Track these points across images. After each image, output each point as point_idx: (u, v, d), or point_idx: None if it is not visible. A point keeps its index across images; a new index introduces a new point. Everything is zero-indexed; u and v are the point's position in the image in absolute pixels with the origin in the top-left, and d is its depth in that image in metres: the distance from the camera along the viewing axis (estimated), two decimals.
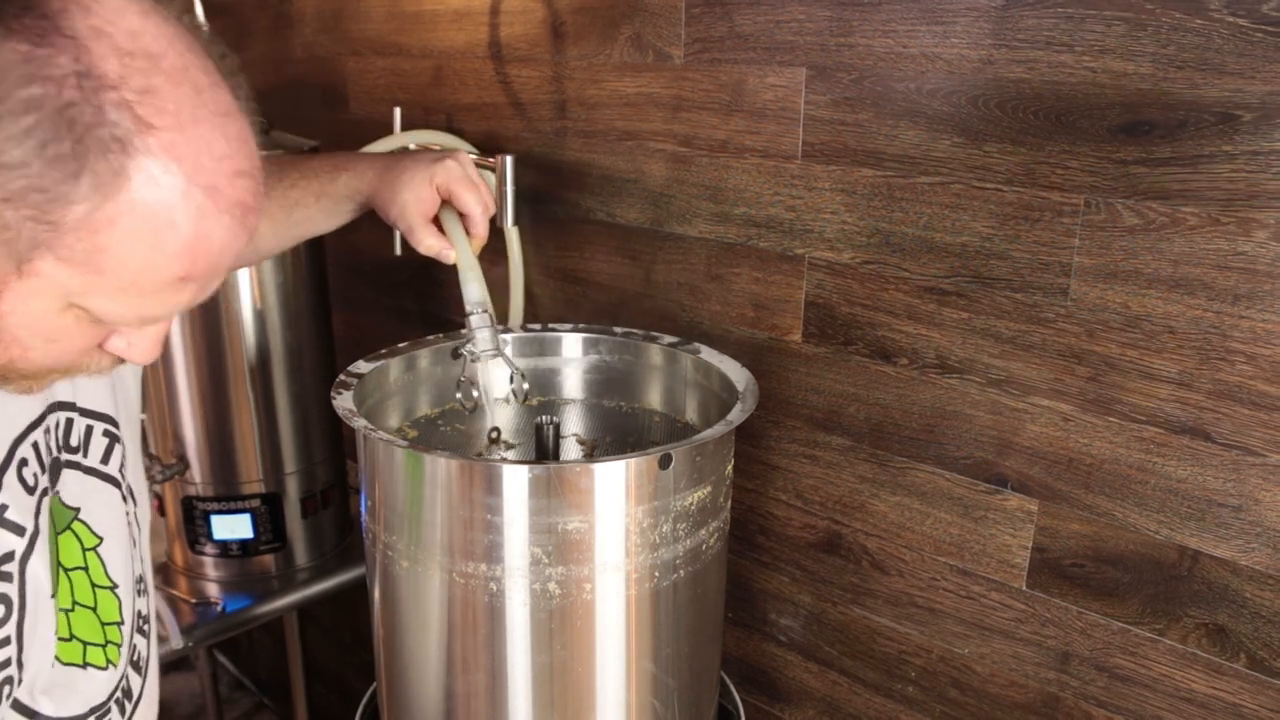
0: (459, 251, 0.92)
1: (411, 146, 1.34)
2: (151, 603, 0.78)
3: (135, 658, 0.74)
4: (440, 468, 0.82)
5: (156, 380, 1.33)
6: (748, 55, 1.00)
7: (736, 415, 0.86)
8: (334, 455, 1.45)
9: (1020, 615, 0.94)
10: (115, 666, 0.70)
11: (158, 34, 0.51)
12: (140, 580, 0.76)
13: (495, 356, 0.94)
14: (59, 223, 0.48)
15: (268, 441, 1.35)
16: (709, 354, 1.01)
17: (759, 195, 1.03)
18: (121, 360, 0.58)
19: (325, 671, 2.09)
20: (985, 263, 0.88)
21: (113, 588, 0.71)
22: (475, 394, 0.95)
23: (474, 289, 0.93)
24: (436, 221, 0.92)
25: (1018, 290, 0.87)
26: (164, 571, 1.42)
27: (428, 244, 0.91)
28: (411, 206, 0.89)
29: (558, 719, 0.86)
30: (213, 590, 1.36)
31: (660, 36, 1.08)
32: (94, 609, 0.68)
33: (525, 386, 1.01)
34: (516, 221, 1.25)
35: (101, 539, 0.70)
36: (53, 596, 0.64)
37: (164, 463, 1.34)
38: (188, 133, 0.50)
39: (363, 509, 0.92)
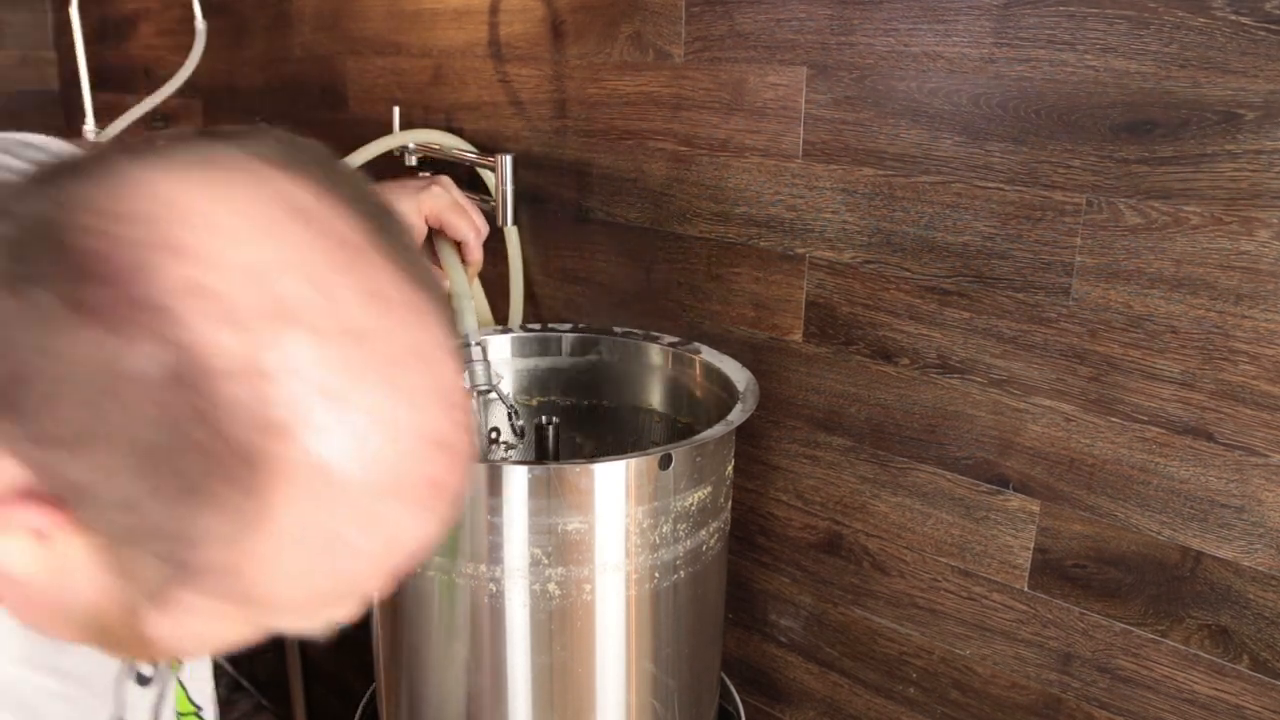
0: (454, 281, 0.90)
1: (411, 146, 1.34)
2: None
3: None
4: None
5: None
6: (748, 54, 1.00)
7: (737, 415, 0.86)
8: None
9: (1022, 616, 0.93)
10: None
11: (293, 253, 0.36)
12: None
13: (488, 392, 0.93)
14: (188, 563, 0.37)
15: None
16: (709, 354, 1.01)
17: (759, 194, 1.03)
18: None
19: (324, 672, 2.08)
20: (987, 262, 0.88)
21: (196, 712, 0.68)
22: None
23: (469, 319, 0.91)
24: (429, 248, 0.90)
25: (1019, 290, 0.86)
26: None
27: None
28: None
29: (557, 719, 0.86)
30: None
31: (660, 35, 1.07)
32: None
33: (520, 424, 0.99)
34: (516, 221, 1.25)
35: (181, 662, 0.66)
36: None
37: None
38: (348, 415, 0.36)
39: None
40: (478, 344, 0.92)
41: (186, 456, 0.34)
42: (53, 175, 0.37)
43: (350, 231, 0.38)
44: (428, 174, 0.91)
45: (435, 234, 0.91)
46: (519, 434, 1.00)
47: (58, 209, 0.35)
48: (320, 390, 0.35)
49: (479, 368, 0.92)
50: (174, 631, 0.41)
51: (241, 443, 0.34)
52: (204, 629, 0.42)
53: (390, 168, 1.37)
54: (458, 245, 0.90)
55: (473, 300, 0.92)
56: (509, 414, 0.99)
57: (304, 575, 0.38)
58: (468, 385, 0.92)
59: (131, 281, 0.34)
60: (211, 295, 0.34)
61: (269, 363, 0.34)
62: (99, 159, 0.37)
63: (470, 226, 0.88)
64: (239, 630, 0.43)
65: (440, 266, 0.90)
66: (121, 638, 0.42)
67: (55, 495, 0.36)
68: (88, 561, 0.38)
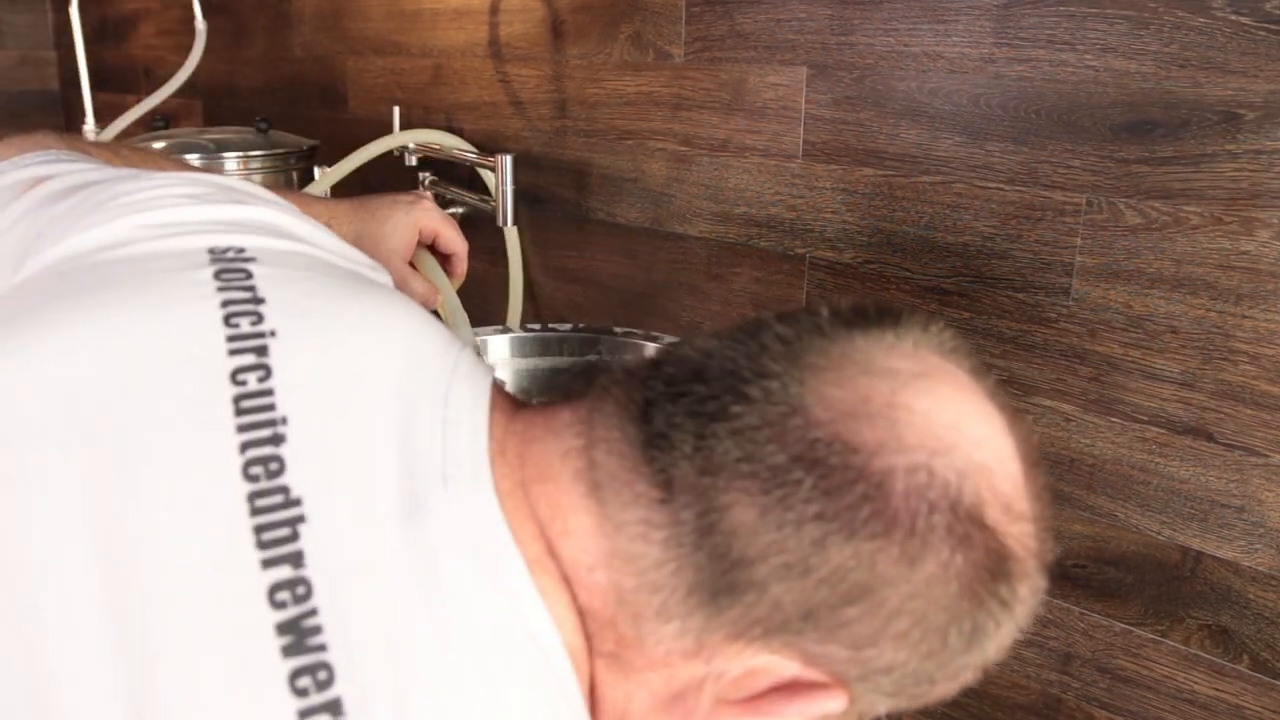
0: (445, 295, 0.90)
1: (411, 146, 1.34)
2: None
3: None
4: None
5: None
6: (748, 54, 1.00)
7: None
8: None
9: None
10: None
11: (1018, 463, 0.43)
12: None
13: None
14: (909, 691, 0.43)
15: None
16: None
17: (760, 195, 1.03)
18: None
19: None
20: (987, 262, 0.88)
21: None
22: None
23: (465, 331, 0.92)
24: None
25: (1020, 290, 0.86)
26: None
27: (417, 292, 0.87)
28: (396, 257, 0.86)
29: None
30: None
31: (660, 35, 1.07)
32: None
33: None
34: (516, 221, 1.25)
35: None
36: None
37: None
38: (1045, 567, 0.44)
39: None
40: (476, 351, 0.93)
41: (967, 629, 0.41)
42: (792, 361, 0.42)
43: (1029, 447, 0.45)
44: (415, 191, 0.92)
45: (419, 249, 0.91)
46: None
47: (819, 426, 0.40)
48: (1034, 550, 0.43)
49: None
50: None
51: (1009, 605, 0.42)
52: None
53: (390, 167, 1.37)
54: (446, 258, 0.91)
55: (464, 311, 0.93)
56: None
57: (969, 677, 0.45)
58: None
59: (953, 499, 0.39)
60: (1007, 500, 0.41)
61: (1030, 545, 0.42)
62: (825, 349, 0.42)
63: (460, 239, 0.90)
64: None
65: (424, 277, 0.90)
66: None
67: (834, 677, 0.41)
68: (820, 711, 0.42)
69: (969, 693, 0.99)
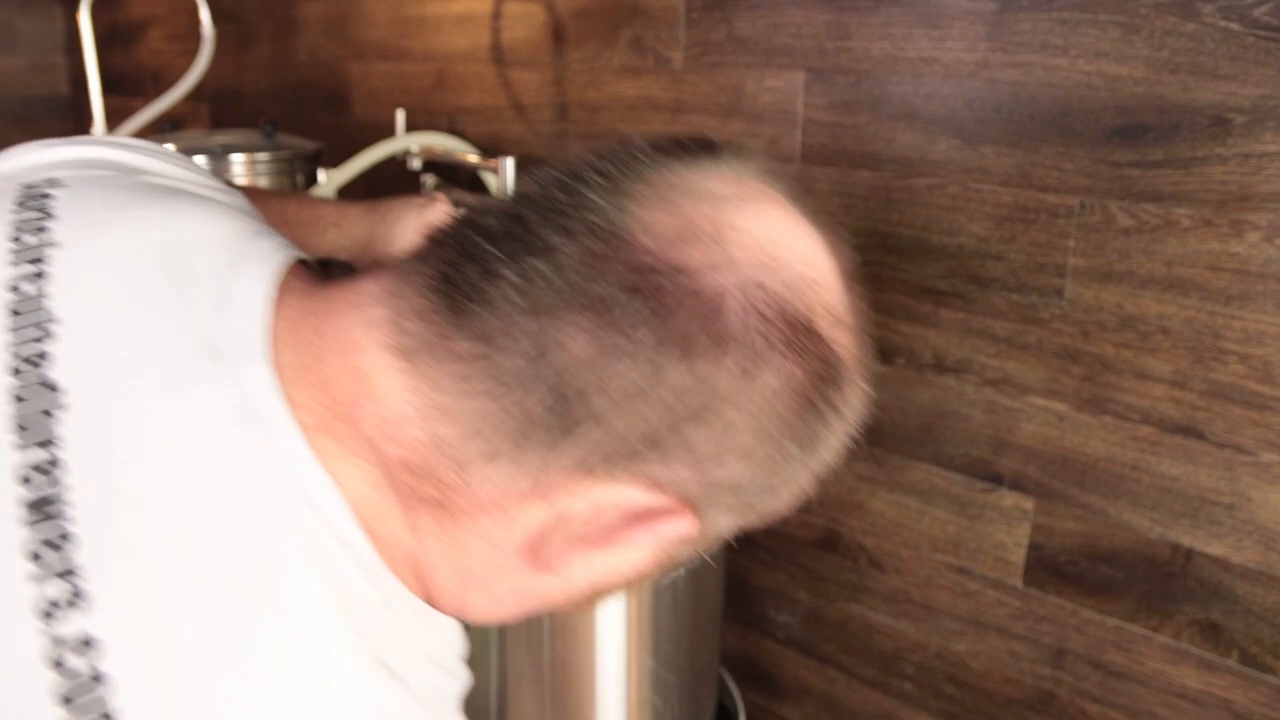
0: None
1: (414, 149, 1.36)
2: None
3: None
4: None
5: None
6: (747, 59, 1.01)
7: None
8: None
9: (1016, 612, 0.95)
10: None
11: (835, 271, 0.45)
12: None
13: None
14: (754, 506, 0.45)
15: None
16: None
17: None
18: None
19: None
20: (981, 264, 0.89)
21: None
22: None
23: None
24: None
25: (1013, 291, 0.88)
26: None
27: None
28: None
29: (557, 715, 0.87)
30: None
31: (660, 40, 1.09)
32: None
33: None
34: None
35: None
36: None
37: None
38: (868, 371, 0.45)
39: None
40: None
41: (803, 436, 0.42)
42: (604, 182, 0.41)
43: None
44: (430, 193, 0.93)
45: None
46: None
47: (623, 235, 0.39)
48: (854, 354, 0.44)
49: None
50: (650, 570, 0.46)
51: (840, 410, 0.43)
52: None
53: (394, 171, 1.38)
54: None
55: None
56: None
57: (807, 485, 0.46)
58: None
59: (812, 319, 0.41)
60: (832, 310, 0.42)
61: (851, 352, 0.44)
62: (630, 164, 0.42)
63: None
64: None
65: None
66: (595, 598, 0.47)
67: (682, 500, 0.41)
68: (674, 539, 0.42)
69: (962, 686, 1.00)
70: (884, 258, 0.96)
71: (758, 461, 0.41)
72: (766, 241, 0.41)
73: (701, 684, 0.98)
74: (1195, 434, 0.80)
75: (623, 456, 0.39)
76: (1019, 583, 0.94)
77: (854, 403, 0.45)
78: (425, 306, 0.41)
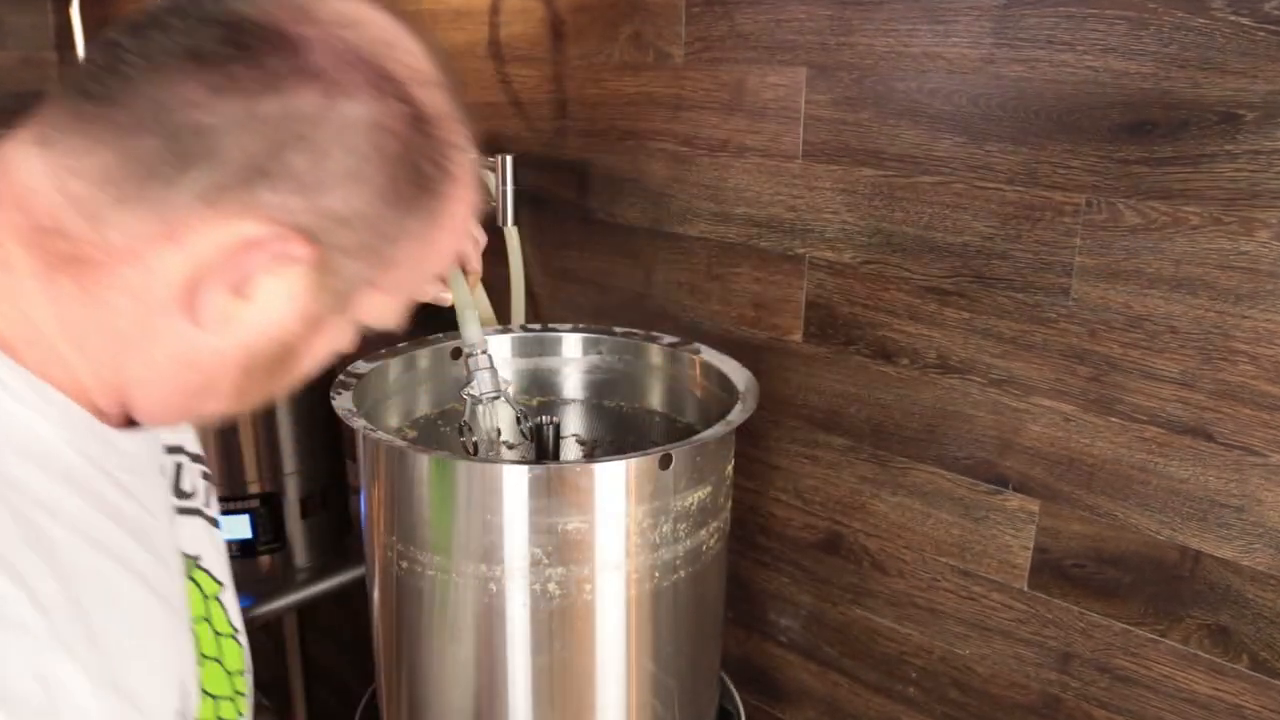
0: (455, 292, 0.91)
1: None
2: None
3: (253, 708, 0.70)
4: (440, 468, 0.82)
5: None
6: (748, 54, 1.00)
7: (737, 415, 0.86)
8: (333, 455, 1.44)
9: (1021, 616, 0.93)
10: (244, 718, 0.67)
11: (424, 53, 0.51)
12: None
13: (496, 399, 0.93)
14: (392, 260, 0.50)
15: (267, 442, 1.35)
16: (709, 354, 1.01)
17: (759, 195, 1.03)
18: None
19: (324, 672, 2.09)
20: (986, 262, 0.88)
21: (234, 634, 0.67)
22: (475, 439, 0.96)
23: (472, 330, 0.93)
24: None
25: (1019, 290, 0.87)
26: None
27: (424, 290, 0.89)
28: None
29: (557, 719, 0.86)
30: None
31: (661, 35, 1.07)
32: (220, 660, 0.65)
33: (529, 425, 1.00)
34: (516, 221, 1.25)
35: (222, 585, 0.67)
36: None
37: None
38: (469, 141, 0.52)
39: (362, 510, 0.92)
40: (484, 352, 0.93)
41: (414, 171, 0.48)
42: None
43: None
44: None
45: None
46: (529, 436, 1.01)
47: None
48: (456, 123, 0.51)
49: (485, 375, 0.93)
50: (330, 339, 0.53)
51: (442, 159, 0.49)
52: (346, 332, 0.54)
53: None
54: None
55: (475, 310, 0.93)
56: (517, 418, 0.99)
57: (447, 253, 0.54)
58: (476, 393, 0.92)
59: (382, 63, 0.47)
60: (415, 71, 0.48)
61: (445, 109, 0.50)
62: None
63: (469, 239, 0.90)
64: (394, 313, 0.56)
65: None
66: (280, 365, 0.52)
67: (299, 230, 0.46)
68: (305, 285, 0.48)
69: (967, 691, 0.99)
70: (887, 256, 0.94)
71: (365, 198, 0.47)
72: (350, 10, 0.48)
73: (702, 688, 0.97)
74: (1204, 435, 0.79)
75: (236, 187, 0.45)
76: (1024, 586, 0.92)
77: (458, 160, 0.51)
78: (62, 102, 0.46)
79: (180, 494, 0.64)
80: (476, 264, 0.91)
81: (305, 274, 0.48)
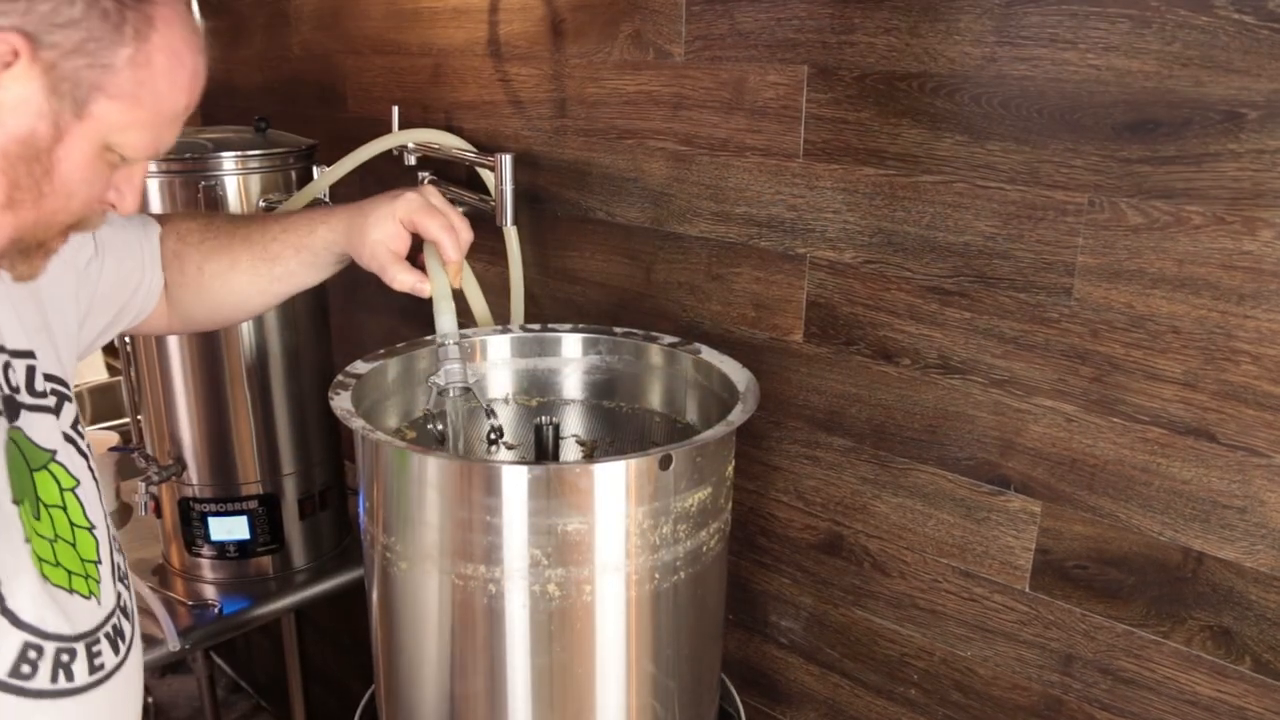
0: (433, 283, 0.92)
1: (410, 145, 1.34)
2: (125, 561, 0.81)
3: (122, 604, 0.76)
4: (439, 469, 0.82)
5: (154, 380, 1.32)
6: (749, 53, 1.00)
7: (737, 416, 0.85)
8: (332, 456, 1.44)
9: (1023, 617, 0.93)
10: (98, 601, 0.72)
11: None
12: (114, 538, 0.79)
13: (465, 392, 0.94)
14: (112, 64, 0.60)
15: (265, 442, 1.34)
16: (709, 354, 1.01)
17: (760, 194, 1.03)
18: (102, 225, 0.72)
19: (323, 673, 2.08)
20: (988, 262, 0.88)
21: (90, 528, 0.74)
22: (441, 428, 0.96)
23: (445, 320, 0.93)
24: (416, 258, 0.93)
25: (1021, 290, 0.86)
26: (160, 573, 1.41)
27: (400, 280, 0.91)
28: (381, 247, 0.90)
29: None
30: (210, 592, 1.35)
31: (661, 34, 1.07)
32: (73, 545, 0.71)
33: (497, 423, 1.00)
34: (516, 221, 1.24)
35: (78, 481, 0.73)
36: (15, 504, 0.67)
37: (161, 464, 1.33)
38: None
39: (361, 510, 0.91)
40: (455, 344, 0.93)
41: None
42: None
43: None
44: (415, 186, 0.95)
45: (426, 245, 0.92)
46: (497, 433, 1.01)
47: None
48: None
49: (454, 367, 0.93)
50: (77, 152, 0.62)
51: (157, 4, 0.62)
52: (92, 152, 0.63)
53: (390, 167, 1.36)
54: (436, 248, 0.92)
55: (451, 301, 0.93)
56: (485, 413, 0.99)
57: (166, 78, 0.64)
58: (442, 383, 0.93)
59: None
60: None
61: None
62: None
63: (442, 226, 0.90)
64: (108, 166, 0.65)
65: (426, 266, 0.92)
66: (37, 168, 0.61)
67: (16, 30, 0.56)
68: (35, 87, 0.58)
69: (968, 693, 0.99)
70: (889, 256, 0.94)
71: (76, 11, 0.57)
72: None
73: (703, 690, 0.96)
74: (1207, 436, 0.79)
75: None
76: (1026, 587, 0.92)
77: (170, 20, 0.62)
78: None
79: (34, 393, 0.72)
80: (451, 254, 0.91)
81: (33, 73, 0.57)
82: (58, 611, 0.68)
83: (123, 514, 1.57)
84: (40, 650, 0.67)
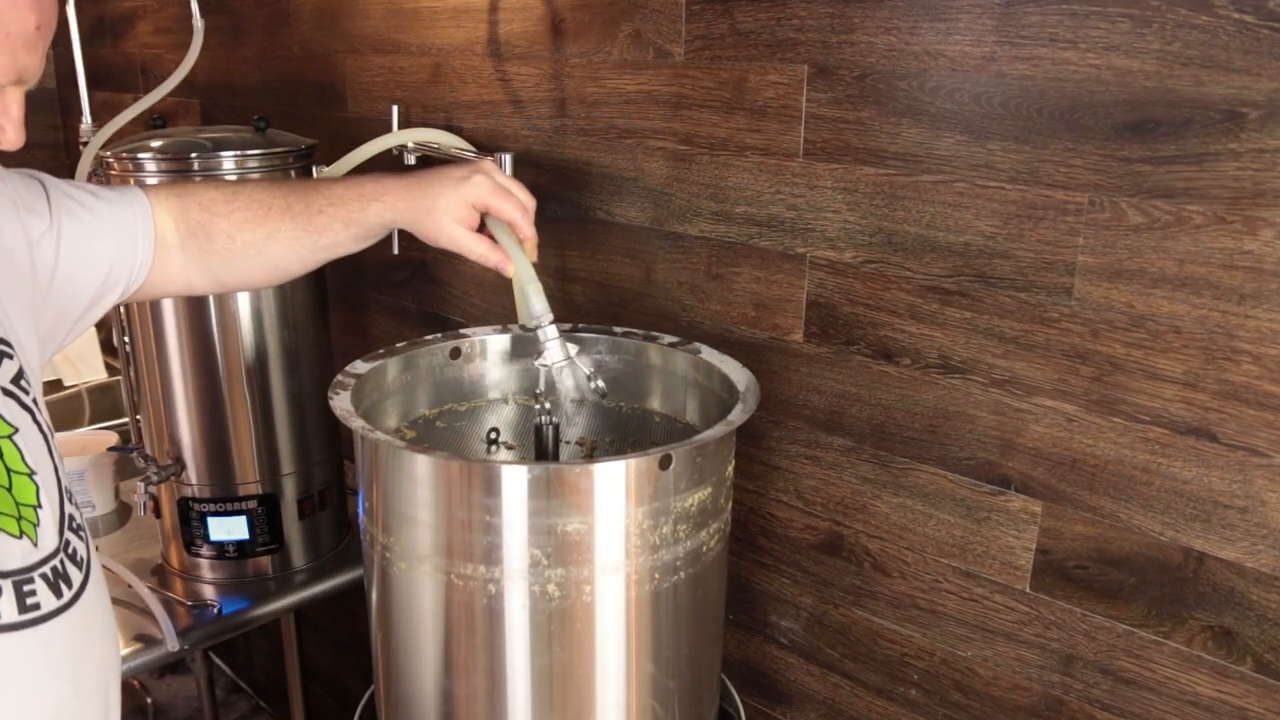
0: (516, 264, 0.93)
1: (409, 144, 1.34)
2: (80, 515, 0.81)
3: (70, 551, 0.76)
4: (439, 469, 0.82)
5: (153, 380, 1.32)
6: (749, 52, 1.00)
7: (737, 416, 0.85)
8: (331, 456, 1.44)
9: (1024, 617, 0.93)
10: (32, 542, 0.73)
11: None
12: (67, 491, 0.79)
13: (568, 364, 0.95)
14: None
15: (265, 442, 1.34)
16: (709, 354, 1.01)
17: (760, 194, 1.02)
18: None
19: (322, 674, 2.08)
20: (988, 262, 0.88)
21: (30, 474, 0.74)
22: (549, 405, 0.98)
23: (535, 302, 0.93)
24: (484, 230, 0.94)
25: (1021, 290, 0.86)
26: (160, 573, 1.41)
27: (488, 257, 0.92)
28: (456, 229, 0.91)
29: None
30: (209, 592, 1.35)
31: (661, 34, 1.07)
32: (8, 489, 0.72)
33: (601, 384, 1.01)
34: None
35: (15, 429, 0.73)
36: None
37: (160, 464, 1.33)
38: None
39: (360, 510, 0.91)
40: (552, 322, 0.93)
41: None
42: None
43: None
44: (473, 155, 0.94)
45: (489, 219, 0.93)
46: (601, 394, 1.03)
47: None
48: None
49: (555, 345, 0.94)
50: None
51: None
52: None
53: (390, 166, 1.36)
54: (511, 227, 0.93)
55: (539, 282, 0.94)
56: (588, 377, 0.99)
57: (11, 5, 0.65)
58: (548, 363, 0.94)
59: None
60: None
61: None
62: None
63: (515, 206, 0.92)
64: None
65: (500, 248, 0.93)
66: None
67: None
68: None
69: (969, 693, 0.98)
70: (889, 256, 0.94)
71: None
72: None
73: (703, 690, 0.96)
74: (1208, 435, 0.78)
75: None
76: (1027, 587, 0.92)
77: None
78: None
79: None
80: (527, 230, 0.93)
81: None
82: None
83: (122, 514, 1.57)
84: None
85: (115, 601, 1.28)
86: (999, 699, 0.97)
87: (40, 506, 0.74)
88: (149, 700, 2.31)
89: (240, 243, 0.93)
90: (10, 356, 0.76)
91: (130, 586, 1.30)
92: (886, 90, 0.90)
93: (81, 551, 0.79)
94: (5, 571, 0.70)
